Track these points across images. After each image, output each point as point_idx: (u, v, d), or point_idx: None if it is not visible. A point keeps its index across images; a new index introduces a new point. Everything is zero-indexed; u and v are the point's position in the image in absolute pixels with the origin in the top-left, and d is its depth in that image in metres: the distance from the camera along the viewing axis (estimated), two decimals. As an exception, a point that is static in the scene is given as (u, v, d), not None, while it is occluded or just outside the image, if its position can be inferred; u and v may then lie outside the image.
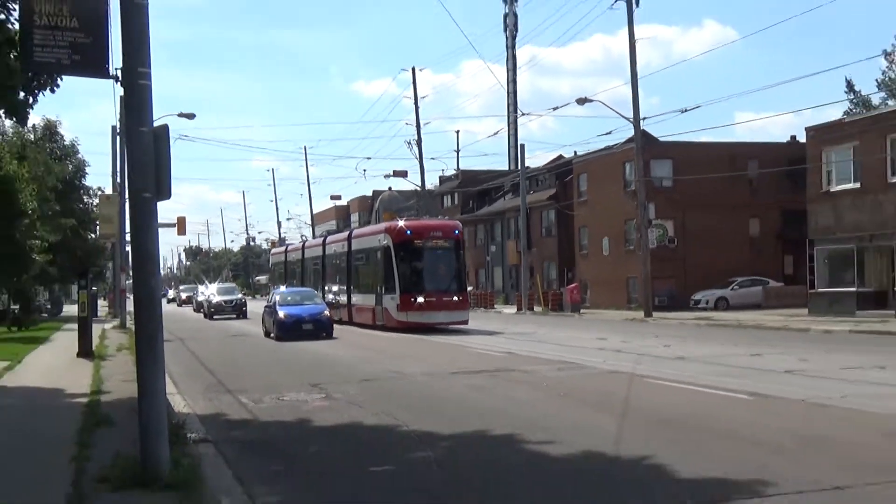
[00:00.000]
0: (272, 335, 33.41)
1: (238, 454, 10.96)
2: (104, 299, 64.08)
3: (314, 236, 68.47)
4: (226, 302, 54.77)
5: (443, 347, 27.39)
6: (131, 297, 14.06)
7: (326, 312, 34.56)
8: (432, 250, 37.56)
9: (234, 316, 52.82)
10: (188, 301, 79.24)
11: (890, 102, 58.68)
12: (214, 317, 53.52)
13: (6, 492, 8.68)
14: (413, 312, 35.52)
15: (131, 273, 11.88)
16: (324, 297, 42.55)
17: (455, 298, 37.09)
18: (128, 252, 44.22)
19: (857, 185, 38.85)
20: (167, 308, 61.46)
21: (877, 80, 68.35)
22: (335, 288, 46.12)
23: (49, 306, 59.75)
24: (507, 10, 50.87)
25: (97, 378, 18.11)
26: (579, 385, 17.38)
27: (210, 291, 60.93)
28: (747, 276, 50.45)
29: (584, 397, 15.65)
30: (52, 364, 22.15)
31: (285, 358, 25.23)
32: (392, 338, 32.20)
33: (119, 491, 8.31)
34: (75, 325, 26.55)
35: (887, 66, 67.69)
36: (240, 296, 58.27)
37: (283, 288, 43.39)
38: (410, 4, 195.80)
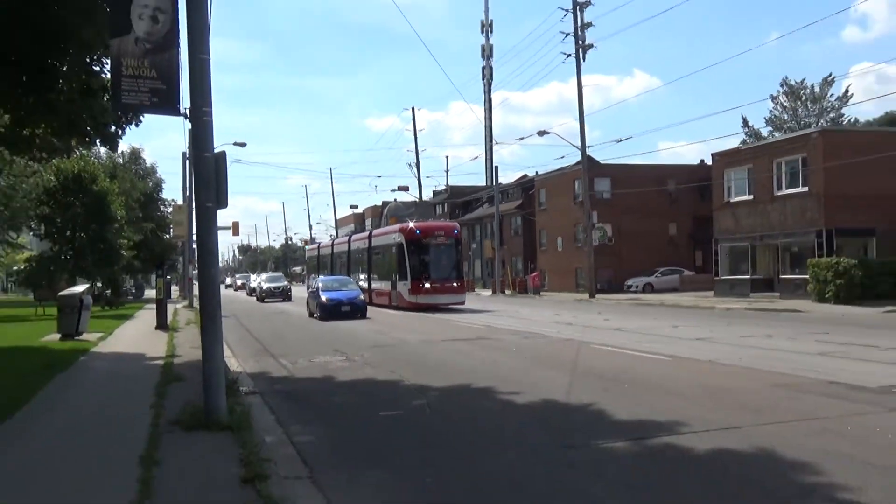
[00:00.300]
0: (315, 315, 31.21)
1: (278, 403, 10.99)
2: (176, 285, 63.89)
3: (338, 236, 65.84)
4: (274, 288, 53.04)
5: (437, 321, 27.39)
6: (197, 283, 14.12)
7: (361, 296, 32.59)
8: (437, 246, 36.50)
9: (281, 299, 51.07)
10: (242, 287, 77.31)
11: (776, 134, 58.83)
12: (265, 300, 51.48)
13: (103, 431, 8.71)
14: (421, 295, 34.88)
15: (196, 265, 11.88)
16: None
17: (455, 284, 36.17)
18: (194, 248, 44.06)
19: (751, 197, 38.97)
20: (225, 292, 61.47)
21: (765, 118, 68.70)
22: (358, 276, 43.95)
23: (134, 291, 59.58)
24: (484, 64, 51.16)
25: (171, 345, 18.14)
26: (540, 349, 17.43)
27: (261, 279, 59.24)
28: (667, 266, 50.63)
29: (543, 359, 15.67)
30: (136, 335, 22.14)
31: (316, 330, 25.27)
32: (401, 315, 31.93)
33: (188, 431, 8.37)
34: (154, 305, 26.57)
35: (773, 107, 68.02)
36: (286, 283, 56.73)
37: (323, 276, 40.79)
38: (411, 59, 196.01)
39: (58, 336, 19.91)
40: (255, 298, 55.35)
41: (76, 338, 19.73)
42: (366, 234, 46.90)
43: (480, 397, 11.24)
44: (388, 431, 9.13)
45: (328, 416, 10.23)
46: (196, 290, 18.85)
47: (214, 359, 8.79)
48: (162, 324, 24.08)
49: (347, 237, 52.66)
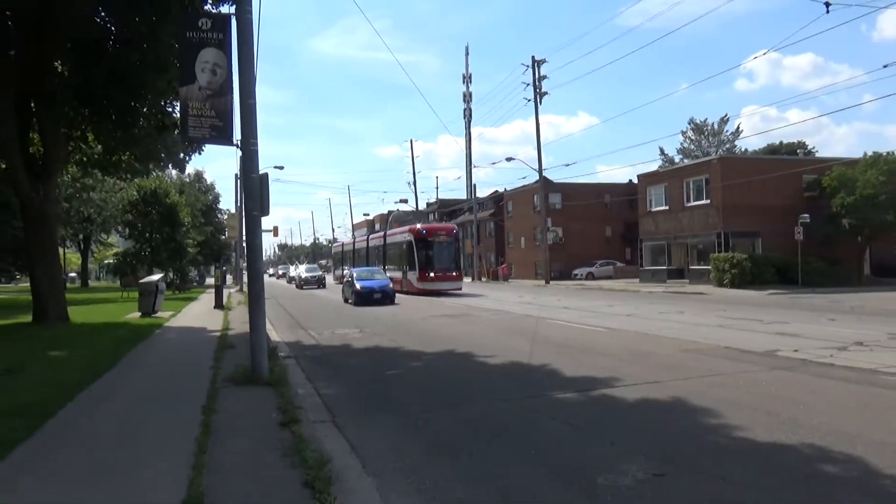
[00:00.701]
0: (350, 301, 27.49)
1: (308, 364, 10.94)
2: (230, 275, 63.62)
3: (354, 238, 63.04)
4: (311, 277, 48.17)
5: (431, 302, 27.34)
6: (246, 273, 14.05)
7: (390, 285, 28.70)
8: (440, 243, 34.56)
9: (316, 286, 46.47)
10: (283, 276, 72.53)
11: (686, 161, 59.05)
12: (304, 287, 46.11)
13: (174, 385, 8.67)
14: (427, 283, 33.54)
15: (246, 259, 11.85)
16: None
17: (454, 274, 34.52)
18: (244, 246, 43.86)
19: (667, 207, 39.07)
20: (269, 280, 61.31)
21: (677, 148, 68.97)
22: (376, 266, 40.09)
23: (198, 279, 59.19)
24: (465, 107, 51.07)
25: (226, 321, 18.04)
26: (508, 323, 17.43)
27: (300, 270, 54.02)
28: (604, 259, 50.67)
29: (510, 330, 15.66)
30: (199, 313, 22.02)
31: (338, 309, 25.13)
32: (408, 298, 31.01)
33: (238, 386, 8.34)
34: (213, 290, 26.41)
35: (683, 140, 68.32)
36: (321, 273, 51.83)
37: (356, 268, 36.04)
38: (410, 103, 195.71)
39: (138, 314, 19.79)
40: (294, 286, 50.65)
41: (153, 315, 19.62)
42: (381, 233, 44.62)
43: (462, 360, 11.24)
44: (392, 386, 9.12)
45: (346, 375, 10.20)
46: (245, 279, 18.65)
47: (259, 330, 8.77)
48: (219, 304, 23.94)
49: (366, 236, 49.52)
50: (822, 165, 35.20)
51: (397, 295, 29.43)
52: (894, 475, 4.88)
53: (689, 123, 68.41)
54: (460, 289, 34.79)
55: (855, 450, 5.46)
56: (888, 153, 32.32)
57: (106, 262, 58.30)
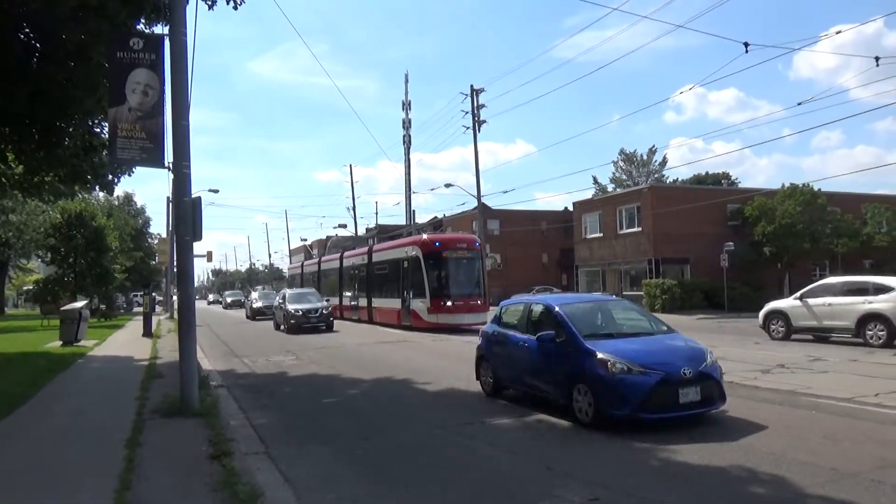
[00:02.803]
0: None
1: (242, 394, 10.61)
2: (161, 301, 61.34)
3: (290, 265, 55.87)
4: (233, 301, 49.76)
5: (369, 329, 26.85)
6: (176, 299, 13.60)
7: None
8: (457, 260, 25.11)
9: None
10: (232, 304, 54.94)
11: (618, 189, 60.92)
12: (257, 318, 35.25)
13: (96, 418, 8.23)
14: (443, 314, 24.08)
15: (177, 285, 11.26)
16: (340, 301, 32.64)
17: (479, 302, 24.85)
18: (175, 272, 42.43)
19: (601, 234, 40.08)
20: (207, 308, 59.31)
21: (609, 177, 70.95)
22: (355, 293, 31.85)
23: (125, 306, 56.83)
24: (404, 133, 51.24)
25: (154, 349, 17.32)
26: (445, 349, 17.37)
27: (254, 296, 41.15)
28: (541, 285, 51.35)
29: (448, 356, 15.61)
30: (126, 341, 21.09)
31: (272, 336, 24.43)
32: (348, 325, 28.52)
33: (167, 417, 8.01)
34: (142, 317, 25.38)
35: (614, 169, 70.43)
36: (241, 297, 52.20)
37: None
38: (349, 128, 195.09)
39: (60, 343, 18.79)
40: (245, 315, 39.10)
41: (75, 344, 18.67)
42: (364, 249, 33.38)
43: (401, 386, 11.13)
44: (328, 414, 8.93)
45: (281, 404, 9.92)
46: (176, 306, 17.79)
47: (190, 358, 8.48)
48: (147, 332, 22.99)
49: (339, 253, 37.55)
50: (745, 195, 37.00)
51: (392, 330, 24.65)
52: (817, 494, 5.07)
53: (620, 154, 70.63)
54: (485, 323, 23.65)
55: (780, 469, 5.67)
56: (804, 185, 34.30)
57: (25, 288, 55.32)
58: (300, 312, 24.44)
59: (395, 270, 27.02)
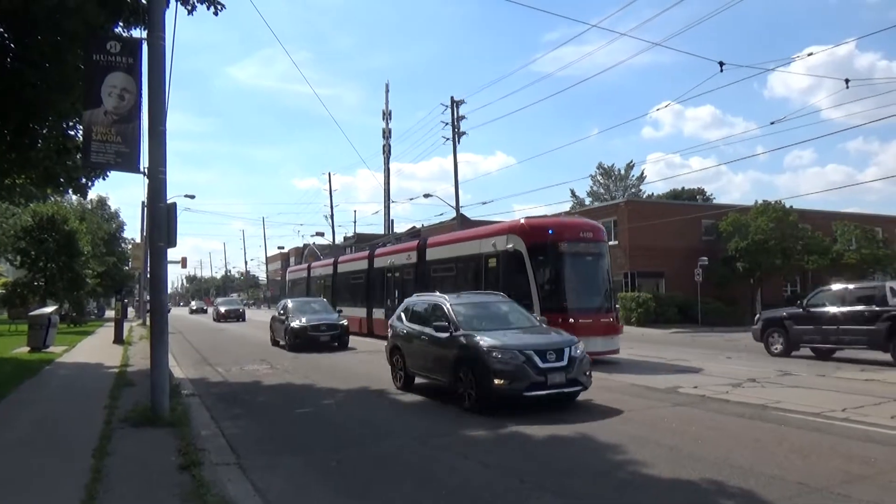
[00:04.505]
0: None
1: (214, 403, 10.45)
2: (133, 307, 60.34)
3: (291, 268, 45.51)
4: (229, 311, 42.68)
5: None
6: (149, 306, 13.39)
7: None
8: (581, 256, 16.39)
9: (236, 319, 41.55)
10: (228, 315, 44.92)
11: (595, 203, 61.48)
12: (224, 321, 40.39)
13: (63, 427, 8.06)
14: None
15: (149, 291, 10.86)
16: (369, 315, 25.10)
17: (610, 319, 16.26)
18: (148, 278, 41.64)
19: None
20: (181, 313, 58.44)
21: (587, 191, 71.62)
22: (390, 304, 22.64)
23: (97, 311, 55.83)
24: (384, 143, 51.16)
25: (125, 356, 17.02)
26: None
27: (219, 302, 50.30)
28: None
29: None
30: (96, 348, 20.70)
31: (248, 342, 24.13)
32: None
33: (136, 426, 7.85)
34: (113, 324, 24.94)
35: (592, 183, 71.13)
36: (239, 307, 45.86)
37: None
38: (329, 135, 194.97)
39: (27, 349, 18.38)
40: (213, 318, 40.57)
41: (44, 350, 18.27)
42: (409, 244, 24.26)
43: (377, 397, 11.06)
44: (302, 425, 8.84)
45: (254, 413, 9.78)
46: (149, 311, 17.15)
47: (161, 366, 8.35)
48: (118, 339, 22.58)
49: (367, 252, 28.04)
50: (720, 211, 37.56)
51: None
52: (783, 507, 5.13)
53: (598, 168, 71.35)
54: (617, 350, 16.07)
55: (748, 483, 5.73)
56: (776, 202, 34.94)
57: (-8, 291, 54.21)
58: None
59: (469, 272, 18.63)
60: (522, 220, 17.00)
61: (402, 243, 25.74)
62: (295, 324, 19.69)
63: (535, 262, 15.81)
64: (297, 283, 38.08)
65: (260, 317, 45.23)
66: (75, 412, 9.13)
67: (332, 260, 32.65)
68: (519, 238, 16.29)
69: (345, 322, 20.29)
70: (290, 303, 22.11)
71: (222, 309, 43.94)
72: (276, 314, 22.08)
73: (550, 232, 16.21)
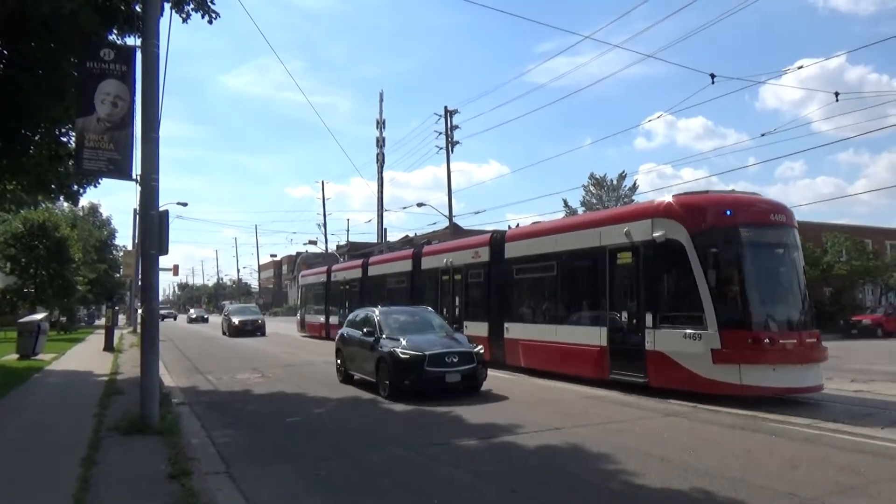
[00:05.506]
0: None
1: (204, 411, 10.39)
2: (124, 315, 59.96)
3: (305, 272, 38.19)
4: (244, 321, 33.45)
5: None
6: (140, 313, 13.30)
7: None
8: (773, 249, 11.29)
9: (254, 334, 32.79)
10: (248, 328, 37.03)
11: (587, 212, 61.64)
12: (238, 335, 32.09)
13: (52, 435, 7.99)
14: (757, 367, 10.03)
15: (141, 298, 10.72)
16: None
17: (815, 341, 10.60)
18: (140, 285, 41.30)
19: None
20: (174, 323, 57.85)
21: (579, 201, 71.68)
22: (468, 315, 17.62)
23: (87, 319, 55.48)
24: (378, 151, 51.14)
25: (115, 364, 16.90)
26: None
27: (229, 309, 37.80)
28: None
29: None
30: (86, 355, 20.56)
31: (239, 352, 23.96)
32: (306, 341, 28.63)
33: (125, 435, 7.81)
34: (103, 331, 24.79)
35: (584, 193, 71.22)
36: (259, 317, 36.62)
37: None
38: (322, 144, 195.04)
39: (16, 356, 18.23)
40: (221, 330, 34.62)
41: (33, 357, 18.13)
42: (479, 239, 18.20)
43: (368, 406, 11.01)
44: (292, 434, 8.79)
45: (244, 422, 9.72)
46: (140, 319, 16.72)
47: (151, 374, 8.31)
48: (109, 346, 22.42)
49: (412, 250, 23.19)
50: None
51: (580, 388, 12.45)
52: (774, 518, 5.12)
53: (590, 178, 71.49)
54: (822, 386, 10.66)
55: (738, 494, 5.73)
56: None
57: (-19, 298, 53.78)
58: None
59: (582, 274, 13.76)
60: (671, 199, 11.58)
61: (466, 238, 20.68)
62: (399, 352, 11.41)
63: (706, 259, 10.58)
64: (313, 288, 32.30)
65: (282, 328, 39.25)
66: (64, 420, 9.06)
67: (360, 262, 26.62)
68: (676, 223, 11.07)
69: (480, 349, 12.13)
70: (376, 314, 13.05)
71: (236, 320, 33.58)
72: (346, 332, 14.18)
73: (728, 213, 10.97)
